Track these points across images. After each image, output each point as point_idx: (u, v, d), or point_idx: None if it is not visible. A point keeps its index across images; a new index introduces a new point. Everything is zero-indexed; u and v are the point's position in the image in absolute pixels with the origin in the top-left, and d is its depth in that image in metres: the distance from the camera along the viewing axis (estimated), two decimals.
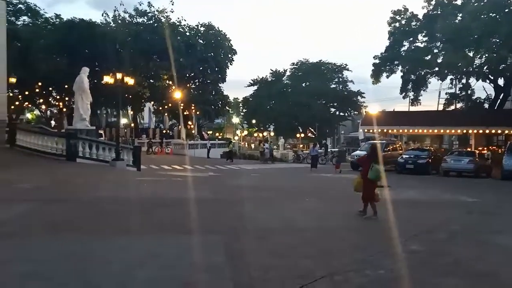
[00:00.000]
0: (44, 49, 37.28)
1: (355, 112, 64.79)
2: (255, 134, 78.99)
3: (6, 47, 22.28)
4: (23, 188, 11.37)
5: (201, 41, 48.64)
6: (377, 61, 37.36)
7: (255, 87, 65.87)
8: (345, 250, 6.07)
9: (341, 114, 65.54)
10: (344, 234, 7.22)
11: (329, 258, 5.62)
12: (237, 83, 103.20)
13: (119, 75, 20.99)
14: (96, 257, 5.42)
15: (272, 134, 66.14)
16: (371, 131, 35.32)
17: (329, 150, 40.23)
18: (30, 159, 17.79)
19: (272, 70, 65.53)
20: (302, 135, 64.79)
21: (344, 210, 9.94)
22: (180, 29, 47.22)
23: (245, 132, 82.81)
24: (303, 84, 63.77)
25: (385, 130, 34.50)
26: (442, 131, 35.04)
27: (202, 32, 49.53)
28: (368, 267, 5.21)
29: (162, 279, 4.62)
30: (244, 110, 72.73)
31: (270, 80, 64.81)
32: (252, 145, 44.55)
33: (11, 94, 36.26)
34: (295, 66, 65.57)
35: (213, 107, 51.21)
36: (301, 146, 58.07)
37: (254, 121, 69.30)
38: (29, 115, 61.19)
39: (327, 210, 9.65)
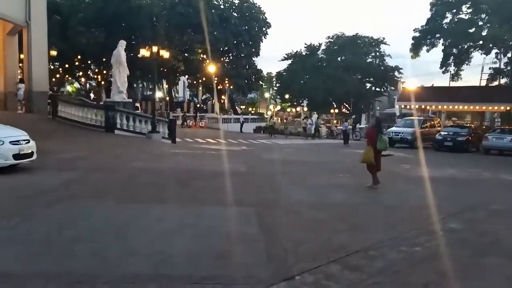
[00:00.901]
0: (82, 23, 38.01)
1: (392, 88, 63.01)
2: (288, 109, 78.52)
3: (47, 20, 22.91)
4: (66, 158, 11.88)
5: (235, 14, 48.17)
6: (417, 34, 35.88)
7: (289, 61, 65.03)
8: (379, 226, 6.03)
9: (377, 89, 63.89)
10: (378, 211, 7.16)
11: (362, 233, 5.61)
12: (271, 57, 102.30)
13: (154, 48, 21.24)
14: (135, 224, 5.65)
15: (305, 109, 65.48)
16: (408, 107, 34.26)
17: (357, 126, 39.43)
18: (71, 130, 18.46)
19: (306, 44, 64.35)
20: (336, 110, 63.84)
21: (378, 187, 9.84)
22: (215, 2, 46.89)
23: (278, 107, 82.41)
24: (339, 58, 62.37)
25: (423, 106, 33.39)
26: (484, 107, 33.52)
27: (236, 4, 49.01)
28: (404, 243, 5.18)
29: (197, 248, 4.77)
30: (277, 85, 72.16)
31: (304, 54, 63.73)
32: (285, 120, 44.22)
33: (52, 67, 37.44)
34: (331, 40, 64.05)
35: (246, 81, 51.06)
36: (334, 121, 57.31)
37: (287, 96, 68.75)
38: (69, 88, 63.14)
39: (359, 186, 9.57)
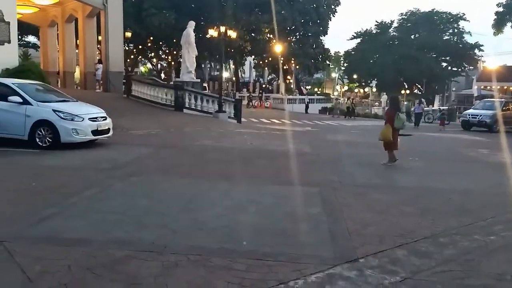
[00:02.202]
0: (155, 5, 39.28)
1: (470, 67, 58.54)
2: (356, 90, 76.22)
3: (122, 2, 24.01)
4: (139, 134, 12.56)
5: None
6: (500, 9, 32.93)
7: (358, 40, 62.73)
8: (451, 212, 5.71)
9: (454, 69, 59.75)
10: (451, 196, 6.77)
11: (432, 219, 5.34)
12: (339, 36, 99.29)
13: (222, 29, 21.49)
14: (202, 199, 5.85)
15: (374, 89, 63.21)
16: (488, 88, 31.81)
17: (430, 108, 37.19)
18: (143, 108, 19.40)
19: (377, 22, 61.56)
20: (408, 91, 60.87)
21: (450, 170, 9.35)
22: None
23: (345, 88, 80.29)
24: (412, 36, 58.99)
25: (505, 87, 30.83)
26: None
27: None
28: (478, 232, 4.86)
29: (261, 224, 4.84)
30: (345, 65, 70.12)
31: (375, 32, 61.10)
32: (346, 101, 43.05)
33: (126, 48, 39.29)
34: (404, 17, 60.64)
35: (313, 61, 50.10)
36: (405, 103, 54.78)
37: (355, 76, 66.67)
38: (142, 68, 66.10)
39: (429, 170, 9.11)
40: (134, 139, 11.66)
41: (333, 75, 79.65)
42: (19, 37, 21.30)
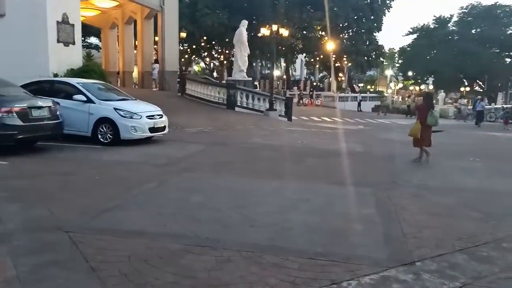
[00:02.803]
0: (208, 5, 40.06)
1: None
2: (411, 87, 73.49)
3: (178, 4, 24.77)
4: (192, 132, 12.90)
5: None
6: None
7: (415, 36, 60.41)
8: None
9: None
10: None
11: (496, 223, 5.06)
12: (394, 32, 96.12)
13: (274, 27, 21.53)
14: (253, 196, 5.92)
15: (431, 87, 60.60)
16: None
17: (493, 106, 34.93)
18: (196, 106, 19.88)
19: (435, 16, 58.97)
20: (467, 88, 57.82)
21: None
22: None
23: (400, 85, 77.64)
24: (473, 31, 55.93)
25: None
26: None
27: None
28: None
29: (312, 223, 4.82)
30: (399, 61, 67.79)
31: (432, 27, 58.55)
32: (407, 99, 41.34)
33: (181, 48, 40.40)
34: (464, 11, 57.65)
35: (366, 58, 48.88)
36: (465, 101, 52.11)
37: (410, 73, 64.27)
38: (195, 67, 67.70)
39: (492, 171, 8.63)
40: (187, 137, 12.00)
41: (387, 72, 77.14)
42: (83, 38, 22.50)
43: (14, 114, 7.88)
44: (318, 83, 54.51)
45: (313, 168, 8.55)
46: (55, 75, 12.99)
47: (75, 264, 3.47)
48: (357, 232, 4.62)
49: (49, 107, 8.71)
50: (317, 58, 49.90)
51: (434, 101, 10.02)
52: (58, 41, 13.91)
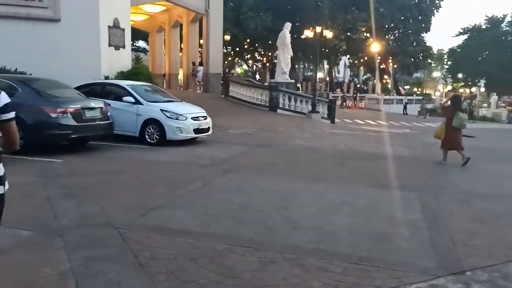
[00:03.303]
0: (252, 8, 40.39)
1: None
2: (461, 90, 70.54)
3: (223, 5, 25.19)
4: (235, 133, 13.06)
5: None
6: None
7: (465, 36, 57.98)
8: None
9: None
10: None
11: None
12: (443, 33, 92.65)
13: (318, 29, 21.39)
14: (295, 198, 5.92)
15: (482, 89, 57.93)
16: None
17: None
18: (239, 108, 20.10)
19: (487, 16, 56.31)
20: None
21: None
22: None
23: (449, 87, 74.73)
24: None
25: None
26: None
27: None
28: None
29: (356, 227, 4.75)
30: (449, 63, 65.26)
31: (484, 27, 55.98)
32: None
33: (224, 51, 40.98)
34: None
35: (412, 59, 47.40)
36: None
37: (460, 75, 61.71)
38: (238, 70, 68.42)
39: None
40: (231, 138, 12.16)
41: (435, 74, 74.54)
42: (131, 42, 23.37)
43: (69, 114, 8.30)
44: (362, 85, 53.50)
45: (356, 171, 8.42)
46: (106, 78, 13.57)
47: (125, 260, 3.61)
48: (402, 238, 4.51)
49: (101, 108, 9.12)
50: (361, 60, 49.01)
51: (461, 104, 10.16)
52: (110, 45, 14.53)
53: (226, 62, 45.47)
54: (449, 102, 9.87)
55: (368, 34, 43.30)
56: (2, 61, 12.11)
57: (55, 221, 4.50)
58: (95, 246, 3.88)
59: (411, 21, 45.05)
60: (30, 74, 11.45)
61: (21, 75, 11.40)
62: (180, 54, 29.53)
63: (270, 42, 38.65)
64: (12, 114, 2.37)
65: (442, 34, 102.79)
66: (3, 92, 2.40)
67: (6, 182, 2.37)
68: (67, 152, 8.43)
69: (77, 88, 10.12)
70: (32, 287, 3.09)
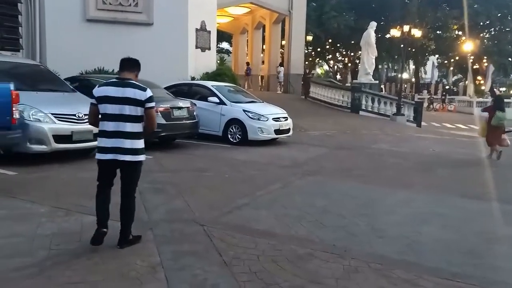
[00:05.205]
0: (335, 7, 39.72)
1: None
2: None
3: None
4: (315, 135, 12.94)
5: None
6: None
7: None
8: None
9: None
10: None
11: None
12: None
13: (405, 28, 20.43)
14: (379, 205, 5.70)
15: None
16: None
17: None
18: (319, 109, 19.85)
19: None
20: None
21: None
22: None
23: None
24: None
25: None
26: None
27: None
28: None
29: (447, 240, 4.45)
30: None
31: None
32: None
33: (306, 51, 40.78)
34: None
35: (510, 59, 43.44)
36: None
37: None
38: (318, 70, 67.69)
39: None
40: (311, 139, 12.06)
41: None
42: (216, 44, 24.26)
43: (159, 113, 8.79)
44: (452, 87, 50.08)
45: (446, 178, 7.89)
46: (192, 78, 14.19)
47: (210, 257, 3.72)
48: (499, 255, 4.14)
49: (188, 107, 9.55)
50: (452, 60, 45.94)
51: (503, 104, 10.53)
52: (197, 47, 15.17)
53: (306, 62, 45.20)
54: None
55: (460, 32, 40.48)
56: (101, 62, 13.14)
57: (146, 215, 4.78)
58: (183, 242, 4.05)
59: (509, 18, 41.30)
60: None
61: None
62: (262, 55, 29.94)
63: (352, 42, 37.69)
64: (152, 104, 3.73)
65: None
66: (148, 89, 3.67)
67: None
68: (157, 149, 8.94)
69: (166, 88, 10.70)
70: (126, 278, 3.28)
